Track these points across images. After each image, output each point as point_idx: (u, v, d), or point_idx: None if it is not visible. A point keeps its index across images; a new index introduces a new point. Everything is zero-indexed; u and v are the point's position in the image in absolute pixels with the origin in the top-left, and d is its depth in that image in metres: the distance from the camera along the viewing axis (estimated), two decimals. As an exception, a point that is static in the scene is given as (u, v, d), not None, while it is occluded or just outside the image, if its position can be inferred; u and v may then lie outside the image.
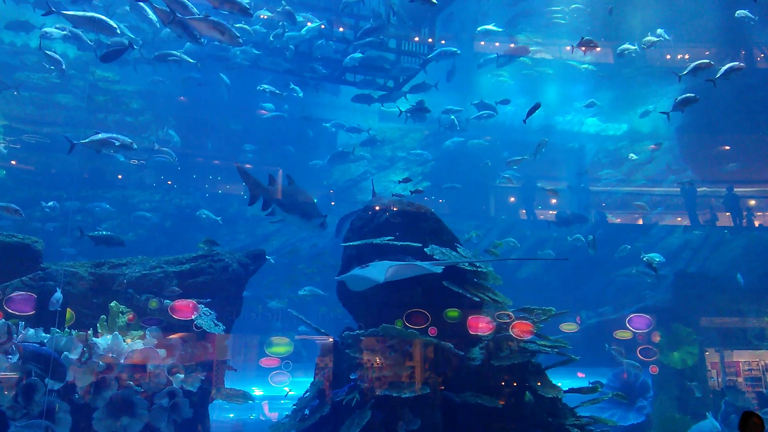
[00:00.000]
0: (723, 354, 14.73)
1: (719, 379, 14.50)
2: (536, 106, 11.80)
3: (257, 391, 11.82)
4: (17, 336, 8.14)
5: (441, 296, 9.56)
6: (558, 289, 19.85)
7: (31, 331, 8.28)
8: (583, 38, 13.87)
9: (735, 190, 21.13)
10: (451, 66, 20.31)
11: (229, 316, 10.17)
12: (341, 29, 17.30)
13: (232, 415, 12.66)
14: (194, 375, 9.01)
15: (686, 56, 21.95)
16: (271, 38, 16.19)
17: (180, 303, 9.45)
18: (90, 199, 19.05)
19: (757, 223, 22.07)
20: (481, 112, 19.25)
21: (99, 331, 8.83)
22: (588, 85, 23.52)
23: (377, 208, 10.59)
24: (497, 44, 22.94)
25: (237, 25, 14.72)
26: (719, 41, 20.55)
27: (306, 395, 9.69)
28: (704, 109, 13.85)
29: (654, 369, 13.98)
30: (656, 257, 14.69)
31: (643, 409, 13.72)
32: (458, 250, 10.02)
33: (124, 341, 8.72)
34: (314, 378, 9.79)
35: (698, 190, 22.23)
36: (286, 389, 11.21)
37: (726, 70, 11.38)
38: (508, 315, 9.49)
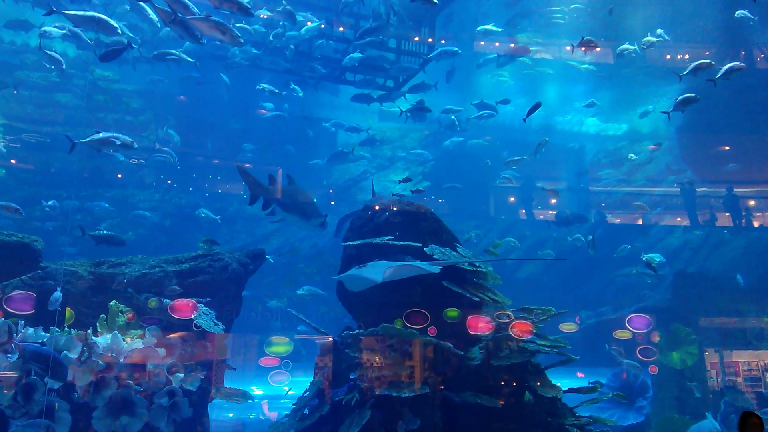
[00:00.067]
0: (722, 354, 14.74)
1: (719, 379, 14.50)
2: (537, 106, 11.80)
3: (257, 391, 11.83)
4: (17, 335, 8.13)
5: (441, 296, 9.56)
6: (557, 289, 19.85)
7: (31, 330, 8.27)
8: (583, 38, 13.87)
9: (735, 190, 21.14)
10: (450, 66, 20.32)
11: (229, 315, 10.17)
12: (341, 29, 17.29)
13: (231, 415, 12.66)
14: (194, 374, 9.01)
15: (686, 56, 21.96)
16: (270, 38, 16.18)
17: (179, 302, 9.45)
18: (90, 199, 19.03)
19: (756, 224, 22.09)
20: (481, 112, 19.25)
21: (98, 330, 8.82)
22: (588, 85, 23.52)
23: (377, 207, 10.59)
24: (497, 44, 22.93)
25: (237, 25, 14.72)
26: (719, 42, 20.56)
27: (305, 394, 9.70)
28: (704, 109, 13.85)
29: (653, 369, 13.98)
30: (656, 257, 14.68)
31: (643, 409, 13.72)
32: (458, 249, 10.02)
33: (124, 340, 8.72)
34: (314, 377, 9.79)
35: (698, 190, 22.24)
36: (286, 388, 11.22)
37: (726, 70, 11.39)
38: (508, 315, 9.49)
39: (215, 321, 9.59)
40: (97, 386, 8.21)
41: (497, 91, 21.86)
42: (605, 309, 17.72)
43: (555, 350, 9.42)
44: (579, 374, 12.70)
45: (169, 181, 21.44)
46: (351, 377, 9.09)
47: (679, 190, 22.63)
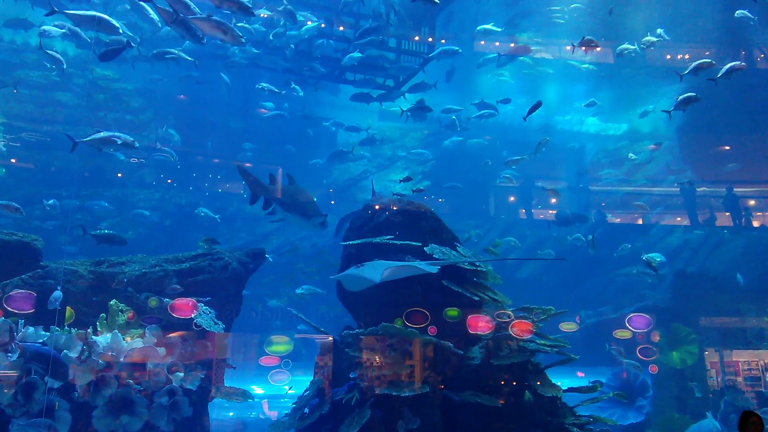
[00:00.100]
0: (722, 354, 14.74)
1: (719, 379, 14.50)
2: (537, 105, 11.82)
3: (257, 390, 11.84)
4: (17, 334, 8.14)
5: (441, 295, 9.57)
6: (557, 289, 19.84)
7: (31, 329, 8.28)
8: (583, 38, 13.87)
9: (735, 190, 21.14)
10: (450, 66, 20.31)
11: (229, 314, 10.17)
12: (341, 28, 17.29)
13: (231, 414, 12.67)
14: (194, 373, 9.01)
15: (686, 56, 21.96)
16: (270, 37, 16.17)
17: (179, 301, 9.45)
18: (90, 198, 19.03)
19: (756, 223, 22.09)
20: (482, 111, 19.25)
21: (99, 329, 8.83)
22: (588, 84, 23.53)
23: (377, 207, 10.59)
24: (497, 44, 22.93)
25: (238, 24, 14.71)
26: (719, 41, 20.56)
27: (305, 394, 9.70)
28: (704, 109, 13.84)
29: (653, 368, 13.98)
30: (657, 257, 14.69)
31: (643, 408, 13.72)
32: (458, 249, 10.02)
33: (124, 339, 8.73)
34: (314, 376, 9.79)
35: (698, 190, 22.23)
36: (286, 388, 11.22)
37: (727, 70, 11.39)
38: (508, 314, 9.49)
39: (215, 320, 9.59)
40: (98, 385, 8.21)
41: (497, 91, 21.86)
42: (605, 308, 17.72)
43: (555, 350, 9.42)
44: (579, 374, 12.72)
45: (169, 181, 21.45)
46: (351, 376, 9.09)
47: (679, 189, 22.63)
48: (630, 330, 13.96)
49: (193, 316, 9.41)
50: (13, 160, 19.43)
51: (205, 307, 9.62)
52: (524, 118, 12.56)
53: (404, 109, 16.64)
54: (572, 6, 20.42)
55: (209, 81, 19.12)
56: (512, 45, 22.77)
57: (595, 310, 17.81)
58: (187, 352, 9.23)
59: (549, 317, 9.62)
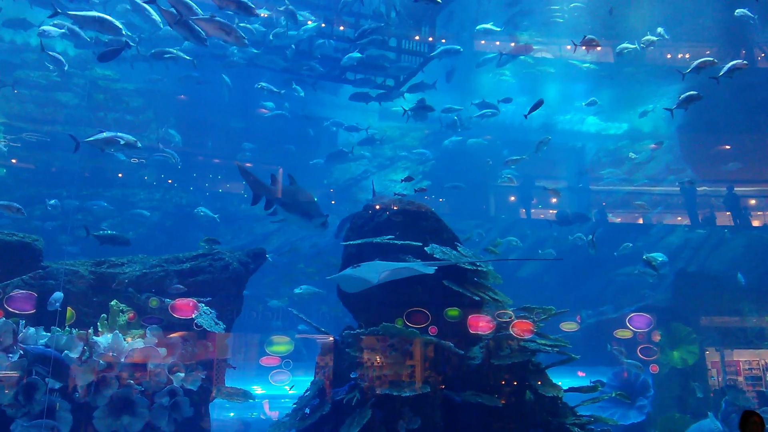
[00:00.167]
0: (723, 353, 14.74)
1: (719, 379, 14.50)
2: (539, 103, 11.84)
3: (258, 390, 11.84)
4: (19, 335, 8.14)
5: (441, 295, 9.56)
6: (558, 288, 19.84)
7: (32, 329, 8.28)
8: (585, 37, 13.88)
9: (735, 189, 21.12)
10: (450, 66, 20.30)
11: (230, 314, 10.18)
12: (341, 28, 17.29)
13: (232, 414, 12.67)
14: (195, 374, 9.02)
15: (687, 55, 21.96)
16: (270, 37, 16.17)
17: (180, 302, 9.46)
18: (90, 198, 19.03)
19: (757, 223, 22.07)
20: (483, 111, 19.24)
21: (99, 329, 8.83)
22: (589, 84, 23.52)
23: (377, 207, 10.59)
24: (497, 43, 22.93)
25: (240, 25, 14.71)
26: (720, 41, 20.55)
27: (306, 394, 9.70)
28: (705, 108, 13.83)
29: (654, 368, 13.99)
30: (659, 257, 14.69)
31: (644, 408, 13.72)
32: (458, 249, 10.02)
33: (125, 340, 8.73)
34: (314, 377, 9.79)
35: (698, 189, 22.21)
36: (287, 388, 11.22)
37: (729, 68, 11.38)
38: (509, 314, 9.49)
39: (216, 320, 9.59)
40: (99, 386, 8.21)
41: (498, 90, 21.85)
42: (606, 308, 17.73)
43: (556, 349, 9.42)
44: (580, 373, 12.73)
45: (169, 181, 21.45)
46: (352, 376, 9.09)
47: (679, 189, 22.62)
48: (631, 330, 13.97)
49: (193, 316, 9.41)
50: (13, 161, 19.44)
51: (205, 308, 9.63)
52: (525, 116, 12.61)
53: (406, 109, 16.63)
54: (572, 5, 20.42)
55: (209, 81, 19.12)
56: (513, 44, 22.76)
57: (596, 310, 17.82)
58: (188, 353, 9.24)
59: (550, 317, 9.62)
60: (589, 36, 13.92)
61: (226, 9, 8.71)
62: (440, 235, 10.24)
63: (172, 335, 9.26)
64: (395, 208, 10.41)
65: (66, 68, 12.79)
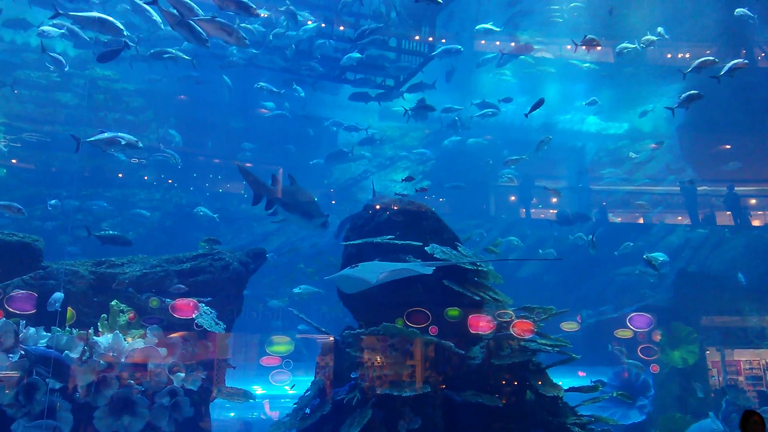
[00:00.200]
0: (724, 353, 14.73)
1: (720, 378, 14.50)
2: (540, 102, 11.85)
3: (258, 390, 11.84)
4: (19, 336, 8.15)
5: (442, 295, 9.56)
6: (558, 288, 19.84)
7: (32, 330, 8.28)
8: (586, 37, 13.88)
9: (736, 189, 21.11)
10: (450, 66, 20.29)
11: (230, 314, 10.18)
12: (341, 28, 17.28)
13: (233, 414, 12.67)
14: (195, 374, 9.02)
15: (687, 55, 21.94)
16: (270, 37, 16.17)
17: (180, 302, 9.46)
18: (90, 198, 19.04)
19: (758, 222, 22.05)
20: (484, 111, 19.24)
21: (100, 329, 8.83)
22: (589, 83, 23.52)
23: (378, 206, 10.59)
24: (497, 43, 22.93)
25: (241, 25, 14.71)
26: (720, 40, 20.52)
27: (307, 394, 9.70)
28: (705, 108, 13.83)
29: (655, 368, 13.99)
30: (660, 256, 14.69)
31: (644, 407, 13.73)
32: (459, 249, 10.02)
33: (125, 340, 8.73)
34: (315, 377, 9.79)
35: (699, 189, 22.21)
36: (287, 388, 11.22)
37: (730, 68, 11.39)
38: (509, 314, 9.49)
39: (216, 320, 9.59)
40: (99, 386, 8.21)
41: (498, 90, 21.85)
42: (606, 308, 17.73)
43: (556, 349, 9.42)
44: (580, 373, 12.73)
45: (170, 181, 21.45)
46: (352, 376, 9.09)
47: (679, 188, 22.62)
48: (631, 329, 13.97)
49: (194, 316, 9.41)
50: (14, 161, 19.44)
51: (206, 308, 9.63)
52: (526, 115, 12.64)
53: (407, 109, 16.63)
54: (572, 5, 20.42)
55: (208, 80, 19.12)
56: (513, 44, 22.76)
57: (596, 310, 17.82)
58: (189, 353, 9.24)
59: (550, 317, 9.62)
60: (590, 36, 13.92)
61: (226, 10, 8.70)
62: (440, 235, 10.24)
63: (172, 335, 9.26)
64: (395, 207, 10.41)
65: (66, 69, 12.80)
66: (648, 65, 21.91)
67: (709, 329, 14.94)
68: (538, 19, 21.82)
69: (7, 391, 7.74)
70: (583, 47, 13.91)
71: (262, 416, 13.01)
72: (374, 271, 8.76)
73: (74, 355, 8.17)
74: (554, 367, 9.50)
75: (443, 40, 18.47)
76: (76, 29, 12.41)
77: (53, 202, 16.32)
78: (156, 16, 12.04)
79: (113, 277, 9.74)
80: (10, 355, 7.95)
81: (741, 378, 14.35)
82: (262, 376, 11.53)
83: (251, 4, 8.68)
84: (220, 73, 18.59)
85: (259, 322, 17.55)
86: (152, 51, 14.34)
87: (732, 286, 15.58)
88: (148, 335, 9.02)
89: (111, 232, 13.04)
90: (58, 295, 8.63)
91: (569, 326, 12.85)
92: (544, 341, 9.43)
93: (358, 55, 15.95)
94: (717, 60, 11.85)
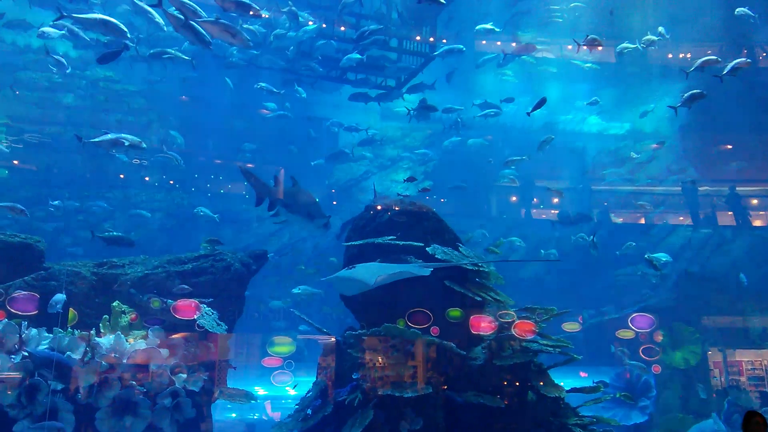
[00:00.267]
0: (726, 353, 14.72)
1: (722, 379, 14.48)
2: (542, 101, 11.84)
3: (260, 391, 11.84)
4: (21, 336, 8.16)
5: (443, 296, 9.55)
6: (560, 289, 19.82)
7: (34, 331, 8.29)
8: (587, 36, 13.88)
9: (738, 189, 21.08)
10: (451, 67, 20.29)
11: (232, 315, 10.18)
12: (342, 28, 17.30)
13: (234, 415, 12.67)
14: (197, 375, 9.01)
15: (688, 55, 21.94)
16: (271, 38, 16.18)
17: (182, 303, 9.46)
18: (92, 199, 19.07)
19: (760, 223, 22.02)
20: (486, 111, 19.24)
21: (102, 330, 8.84)
22: (591, 83, 23.50)
23: (379, 207, 10.59)
24: (498, 43, 22.92)
25: (245, 26, 14.74)
26: (722, 40, 20.52)
27: (308, 395, 9.70)
28: (707, 108, 13.82)
29: (656, 368, 13.97)
30: (663, 257, 14.68)
31: (646, 408, 13.72)
32: (460, 249, 10.01)
33: (127, 341, 8.73)
34: (316, 377, 9.78)
35: (701, 189, 22.18)
36: (288, 389, 11.22)
37: (732, 67, 11.39)
38: (510, 314, 9.48)
39: (218, 321, 9.60)
40: (101, 387, 8.22)
41: (499, 90, 21.84)
42: (608, 308, 17.71)
43: (558, 350, 9.41)
44: (582, 374, 12.72)
45: (171, 182, 21.47)
46: (354, 377, 9.08)
47: (681, 189, 22.59)
48: (633, 330, 13.95)
49: (195, 317, 9.41)
50: (15, 162, 19.46)
51: (207, 309, 9.63)
52: (528, 114, 12.64)
53: (410, 109, 16.62)
54: (572, 5, 20.42)
55: (210, 81, 19.13)
56: (513, 44, 22.76)
57: (598, 310, 17.80)
58: (190, 354, 9.24)
59: (551, 317, 9.61)
60: (592, 36, 13.92)
61: (230, 11, 8.71)
62: (442, 236, 10.23)
63: (174, 336, 9.26)
64: (397, 208, 10.40)
65: (68, 70, 12.85)
66: (649, 65, 21.89)
67: (710, 330, 14.92)
68: (539, 19, 21.82)
69: (9, 392, 7.74)
70: (585, 47, 13.91)
71: (263, 417, 13.02)
72: (372, 273, 8.73)
73: (76, 356, 8.18)
74: (556, 367, 9.48)
75: (444, 41, 18.48)
76: (77, 30, 12.44)
77: (56, 202, 16.34)
78: (158, 18, 12.07)
79: (115, 278, 9.75)
80: (12, 357, 7.95)
81: (743, 378, 14.33)
82: (263, 377, 11.53)
83: (254, 5, 8.68)
84: (221, 73, 18.61)
85: (261, 322, 17.57)
86: (152, 51, 14.36)
87: (734, 287, 15.57)
88: (149, 336, 9.02)
89: (115, 233, 13.08)
90: (59, 296, 8.64)
91: (571, 327, 12.85)
92: (545, 342, 9.43)
93: (358, 56, 15.95)
94: (719, 59, 11.85)
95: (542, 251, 19.89)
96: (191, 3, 8.37)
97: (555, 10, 21.09)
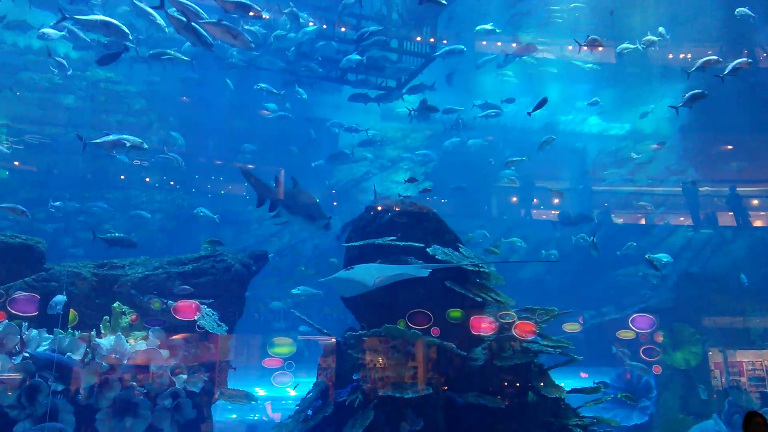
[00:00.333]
0: (726, 354, 14.71)
1: (723, 379, 14.47)
2: (544, 101, 11.84)
3: (260, 392, 11.84)
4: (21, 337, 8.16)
5: (443, 296, 9.56)
6: (560, 289, 19.82)
7: (35, 331, 8.29)
8: (588, 37, 13.89)
9: (738, 189, 21.08)
10: (451, 68, 20.30)
11: (232, 316, 10.18)
12: (343, 29, 17.30)
13: (235, 416, 12.67)
14: (197, 375, 9.02)
15: (688, 56, 21.95)
16: (272, 39, 16.19)
17: (183, 303, 9.47)
18: (92, 200, 19.07)
19: (760, 223, 22.02)
20: (487, 111, 19.24)
21: (102, 331, 8.84)
22: (591, 84, 23.51)
23: (379, 208, 10.59)
24: (499, 44, 22.93)
25: (245, 27, 14.75)
26: (722, 41, 20.53)
27: (309, 395, 9.70)
28: (707, 108, 13.82)
29: (657, 369, 13.96)
30: (664, 257, 14.68)
31: (647, 409, 13.71)
32: (460, 250, 10.01)
33: (127, 342, 8.73)
34: (317, 378, 9.78)
35: (701, 189, 22.18)
36: (289, 389, 11.22)
37: (734, 67, 11.39)
38: (511, 315, 9.48)
39: (218, 322, 9.60)
40: (101, 388, 8.21)
41: (499, 91, 21.85)
42: (608, 309, 17.71)
43: (558, 350, 9.40)
44: (582, 374, 12.71)
45: (171, 182, 21.48)
46: (354, 378, 9.07)
47: (682, 189, 22.59)
48: (633, 330, 13.95)
49: (196, 318, 9.42)
50: (16, 163, 19.47)
51: (208, 309, 9.64)
52: (529, 114, 12.64)
53: (411, 109, 16.62)
54: (572, 5, 20.42)
55: (210, 82, 19.14)
56: (514, 45, 22.76)
57: (599, 311, 17.80)
58: (191, 354, 9.24)
59: (552, 318, 9.61)
60: (593, 36, 13.92)
61: (231, 13, 8.70)
62: (442, 236, 10.23)
63: (174, 337, 9.26)
64: (397, 209, 10.41)
65: (69, 72, 12.88)
66: (650, 66, 21.89)
67: (711, 330, 14.91)
68: (539, 20, 21.83)
69: (9, 393, 7.74)
70: (586, 48, 13.92)
71: (264, 418, 13.01)
72: (370, 274, 8.72)
73: (76, 357, 8.19)
74: (556, 368, 9.48)
75: (444, 41, 18.48)
76: (76, 30, 12.45)
77: (57, 203, 16.35)
78: (160, 20, 12.07)
79: (115, 279, 9.75)
80: (13, 358, 7.96)
81: (743, 379, 14.32)
82: (264, 378, 11.52)
83: (256, 7, 8.69)
84: (222, 74, 18.62)
85: (261, 323, 17.56)
86: (151, 52, 14.37)
87: (734, 287, 15.57)
88: (150, 337, 9.03)
89: (117, 234, 13.11)
90: (60, 298, 8.65)
91: (571, 327, 12.85)
92: (546, 342, 9.42)
93: (358, 57, 15.95)
94: (721, 59, 11.85)
95: (543, 252, 19.88)
96: (193, 5, 8.38)
97: (555, 10, 21.09)
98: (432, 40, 17.63)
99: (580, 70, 22.70)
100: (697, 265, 19.37)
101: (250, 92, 18.79)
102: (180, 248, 14.61)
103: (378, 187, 13.03)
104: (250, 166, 19.97)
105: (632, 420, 13.58)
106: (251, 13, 8.95)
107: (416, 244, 9.61)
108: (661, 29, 15.99)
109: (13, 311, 8.64)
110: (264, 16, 15.43)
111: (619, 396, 11.91)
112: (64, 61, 12.93)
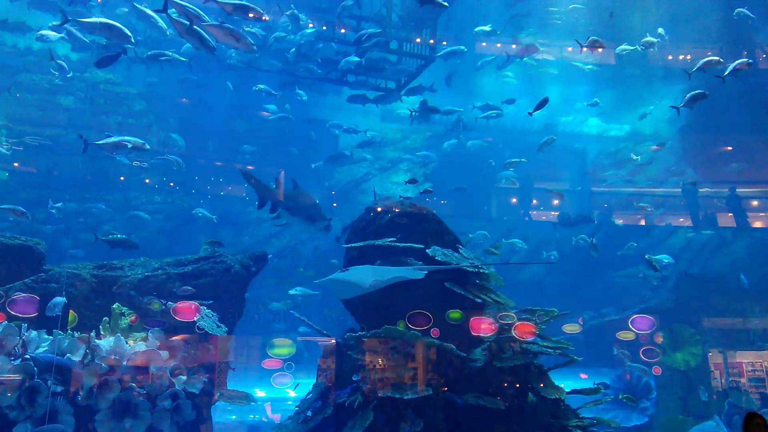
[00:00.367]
0: (726, 355, 14.71)
1: (722, 380, 14.47)
2: (544, 101, 11.83)
3: (260, 393, 11.83)
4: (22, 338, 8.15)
5: (443, 297, 9.56)
6: (560, 290, 19.81)
7: (34, 333, 8.29)
8: (589, 38, 13.90)
9: (738, 190, 21.08)
10: (451, 69, 20.30)
11: (232, 317, 10.18)
12: (342, 31, 17.31)
13: (234, 417, 12.66)
14: (197, 377, 9.01)
15: (688, 57, 21.96)
16: (271, 41, 16.19)
17: (182, 305, 9.46)
18: (92, 201, 19.07)
19: (760, 224, 22.02)
20: (488, 113, 19.23)
21: (101, 332, 8.83)
22: (591, 85, 23.51)
23: (379, 209, 10.60)
24: (498, 45, 22.93)
25: (245, 29, 14.74)
26: (722, 42, 20.54)
27: (308, 397, 9.69)
28: (707, 109, 13.82)
29: (657, 370, 13.96)
30: (664, 258, 14.67)
31: (646, 410, 13.70)
32: (460, 251, 10.01)
33: (127, 343, 8.73)
34: (316, 379, 9.78)
35: (701, 190, 22.18)
36: (288, 390, 11.21)
37: (734, 68, 11.40)
38: (511, 316, 9.48)
39: (218, 323, 9.60)
40: (101, 389, 8.21)
41: (499, 92, 21.85)
42: (608, 310, 17.70)
43: (558, 351, 9.40)
44: (582, 375, 12.70)
45: (171, 184, 21.47)
46: (354, 379, 9.07)
47: (682, 190, 22.59)
48: (633, 331, 13.94)
49: (195, 319, 9.41)
50: (16, 164, 19.46)
51: (207, 310, 9.63)
52: (530, 114, 12.63)
53: (412, 110, 16.63)
54: (571, 6, 20.44)
55: (211, 84, 19.14)
56: (513, 46, 22.77)
57: (598, 312, 17.79)
58: (190, 355, 9.23)
59: (552, 319, 9.61)
60: (593, 37, 13.93)
61: (232, 15, 8.71)
62: (442, 238, 10.23)
63: (174, 338, 9.26)
64: (397, 210, 10.41)
65: (70, 75, 12.89)
66: (649, 67, 21.90)
67: (711, 331, 14.91)
68: (539, 21, 21.84)
69: (9, 394, 7.74)
70: (586, 49, 13.92)
71: (263, 419, 13.01)
72: (367, 276, 8.71)
73: (76, 358, 8.18)
74: (556, 369, 9.48)
75: (444, 42, 18.48)
76: (75, 31, 12.45)
77: (58, 204, 16.35)
78: (161, 23, 12.08)
79: (115, 280, 9.75)
80: (13, 359, 7.95)
81: (743, 380, 14.32)
82: (263, 379, 11.51)
83: (257, 9, 8.70)
84: (222, 75, 18.62)
85: (261, 324, 17.56)
86: (150, 53, 14.37)
87: (734, 288, 15.57)
88: (149, 338, 9.02)
89: (119, 235, 13.10)
90: (58, 299, 8.64)
91: (571, 328, 12.82)
92: (545, 343, 9.42)
93: (356, 58, 15.96)
94: (722, 60, 11.86)
95: (543, 253, 19.87)
96: (195, 8, 8.39)
97: (554, 11, 21.11)
98: (432, 41, 17.63)
99: (579, 72, 22.70)
100: (696, 266, 19.37)
101: (250, 93, 18.80)
102: (180, 249, 14.61)
103: (378, 189, 13.04)
104: (250, 168, 19.96)
105: (632, 421, 13.57)
106: (252, 15, 8.97)
107: (416, 246, 9.61)
108: (660, 30, 16.00)
109: (12, 312, 8.63)
110: (265, 18, 15.50)
111: (619, 397, 11.90)
112: (64, 64, 12.94)
